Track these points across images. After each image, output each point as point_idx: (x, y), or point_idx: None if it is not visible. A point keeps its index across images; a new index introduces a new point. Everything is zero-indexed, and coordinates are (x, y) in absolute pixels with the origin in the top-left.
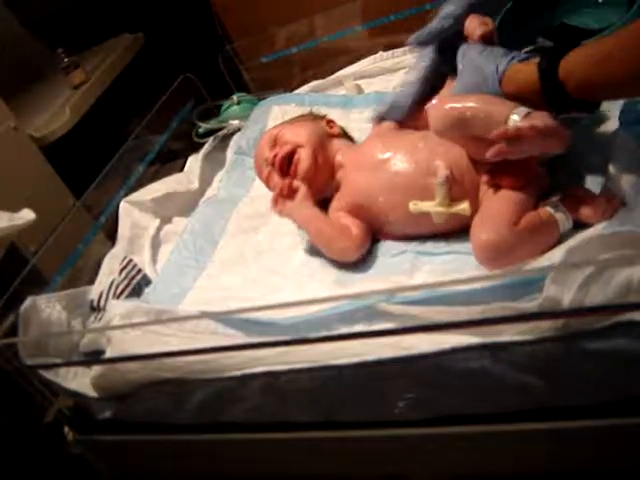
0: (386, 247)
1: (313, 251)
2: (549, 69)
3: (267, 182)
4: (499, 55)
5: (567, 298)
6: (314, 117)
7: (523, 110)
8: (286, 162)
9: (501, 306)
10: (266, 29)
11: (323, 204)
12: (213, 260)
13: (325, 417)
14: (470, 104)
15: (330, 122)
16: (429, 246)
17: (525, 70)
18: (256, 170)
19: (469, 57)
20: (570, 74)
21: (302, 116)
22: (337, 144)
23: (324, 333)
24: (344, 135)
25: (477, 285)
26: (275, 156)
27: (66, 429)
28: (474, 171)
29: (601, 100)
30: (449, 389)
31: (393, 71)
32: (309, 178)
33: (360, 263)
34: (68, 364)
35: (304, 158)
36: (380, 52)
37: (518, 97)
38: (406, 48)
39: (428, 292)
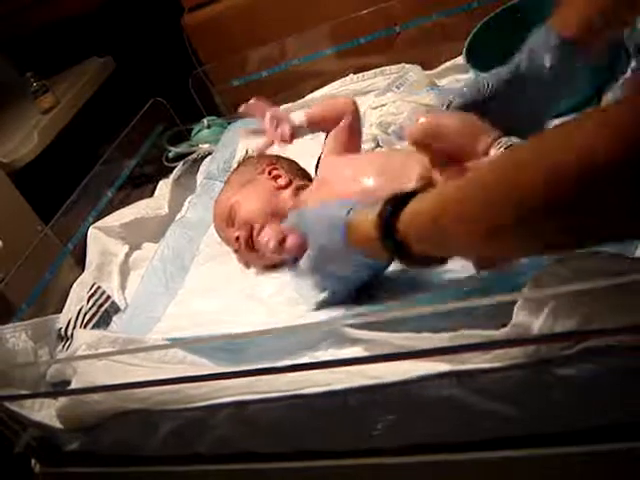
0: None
1: (285, 278)
2: (386, 225)
3: (238, 254)
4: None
5: (537, 324)
6: (255, 167)
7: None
8: (250, 241)
9: (469, 333)
10: (237, 52)
11: None
12: (184, 287)
13: (295, 447)
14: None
15: (272, 170)
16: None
17: (364, 223)
18: (218, 234)
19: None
20: (407, 230)
21: (243, 166)
22: (289, 194)
23: (291, 360)
24: (294, 175)
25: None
26: (237, 239)
27: (33, 461)
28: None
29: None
30: (419, 417)
31: (363, 94)
32: (278, 254)
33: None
34: (32, 396)
35: (267, 238)
36: (350, 75)
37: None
38: (376, 70)
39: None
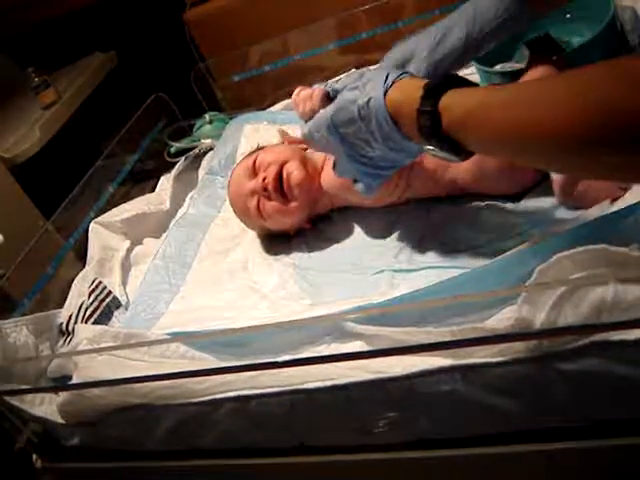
0: (363, 267)
1: (287, 272)
2: (433, 92)
3: (260, 213)
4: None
5: (539, 319)
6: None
7: None
8: (279, 182)
9: (472, 327)
10: (239, 47)
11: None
12: (186, 283)
13: (297, 442)
14: None
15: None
16: (404, 263)
17: (413, 84)
18: (238, 209)
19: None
20: (448, 106)
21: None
22: (317, 154)
23: (293, 354)
24: None
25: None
26: (264, 180)
27: (34, 456)
28: None
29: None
30: (422, 412)
31: None
32: (305, 189)
33: (336, 285)
34: (33, 391)
35: (294, 170)
36: (352, 70)
37: (397, 112)
38: (377, 65)
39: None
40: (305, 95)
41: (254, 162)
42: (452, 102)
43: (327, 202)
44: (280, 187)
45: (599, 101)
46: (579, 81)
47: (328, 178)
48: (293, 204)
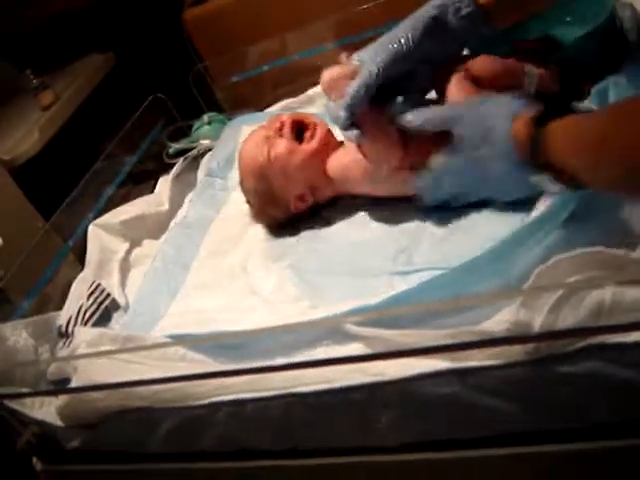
0: (361, 269)
1: (285, 274)
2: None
3: (268, 157)
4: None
5: (537, 322)
6: None
7: None
8: (297, 127)
9: (470, 330)
10: (237, 47)
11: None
12: (185, 286)
13: (295, 445)
14: None
15: None
16: (403, 264)
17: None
18: (245, 162)
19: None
20: (555, 132)
21: None
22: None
23: (291, 357)
24: None
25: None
26: (282, 122)
27: (34, 459)
28: None
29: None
30: (419, 415)
31: None
32: (322, 136)
33: (334, 286)
34: (32, 394)
35: (319, 124)
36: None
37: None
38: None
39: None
40: (339, 75)
41: (275, 117)
42: (559, 128)
43: (329, 188)
44: (298, 132)
45: None
46: None
47: (335, 163)
48: (305, 146)
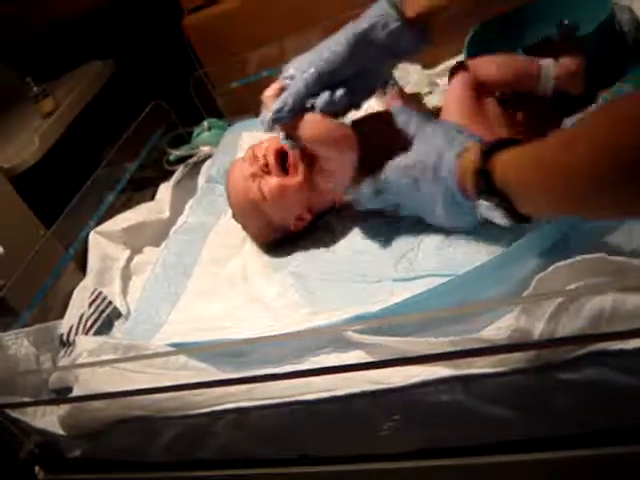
0: (363, 276)
1: (287, 281)
2: (488, 152)
3: (261, 193)
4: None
5: (538, 329)
6: None
7: None
8: (280, 158)
9: (471, 337)
10: (237, 54)
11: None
12: (186, 292)
13: (297, 453)
14: None
15: None
16: (404, 271)
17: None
18: (237, 200)
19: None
20: (501, 164)
21: None
22: None
23: (293, 364)
24: None
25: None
26: (264, 157)
27: (37, 468)
28: None
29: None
30: (422, 422)
31: None
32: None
33: (336, 293)
34: (34, 403)
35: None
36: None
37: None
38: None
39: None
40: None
41: (252, 151)
42: (504, 159)
43: (325, 199)
44: (281, 162)
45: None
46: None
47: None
48: (294, 178)
